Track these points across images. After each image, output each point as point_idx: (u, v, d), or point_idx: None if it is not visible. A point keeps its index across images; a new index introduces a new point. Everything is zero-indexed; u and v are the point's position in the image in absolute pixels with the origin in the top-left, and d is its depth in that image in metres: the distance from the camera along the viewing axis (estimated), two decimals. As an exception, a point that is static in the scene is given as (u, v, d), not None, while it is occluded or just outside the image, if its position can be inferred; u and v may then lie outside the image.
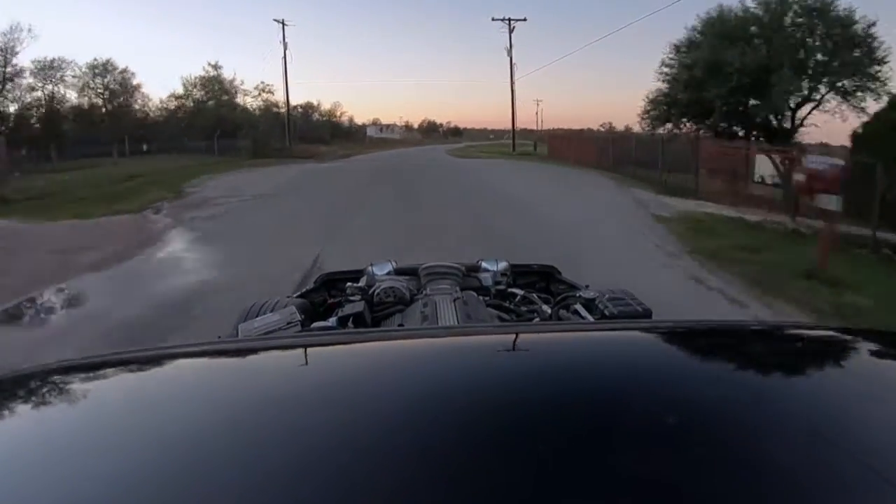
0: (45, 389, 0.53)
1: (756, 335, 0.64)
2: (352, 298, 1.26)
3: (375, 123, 67.20)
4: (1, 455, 0.41)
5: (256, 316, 1.16)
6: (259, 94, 30.86)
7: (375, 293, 1.24)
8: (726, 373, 0.51)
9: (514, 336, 0.63)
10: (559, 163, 20.34)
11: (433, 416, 0.41)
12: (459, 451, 0.37)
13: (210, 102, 28.51)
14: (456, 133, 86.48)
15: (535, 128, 65.76)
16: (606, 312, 1.04)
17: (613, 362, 0.52)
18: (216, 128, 24.15)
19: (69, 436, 0.43)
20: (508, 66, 31.35)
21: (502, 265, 1.51)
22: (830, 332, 0.70)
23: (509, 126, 33.73)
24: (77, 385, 0.54)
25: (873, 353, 0.59)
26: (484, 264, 1.51)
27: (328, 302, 1.43)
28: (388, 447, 0.38)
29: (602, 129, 54.02)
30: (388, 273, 1.44)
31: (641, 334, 0.63)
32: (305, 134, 34.58)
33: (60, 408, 0.50)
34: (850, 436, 0.40)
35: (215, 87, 28.97)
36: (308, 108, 44.30)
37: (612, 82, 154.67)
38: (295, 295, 1.38)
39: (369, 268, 1.46)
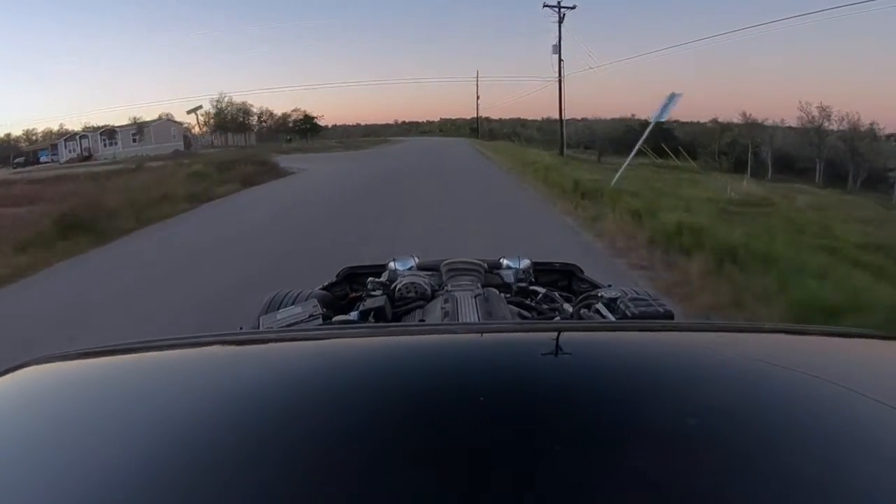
0: (68, 378, 0.55)
1: (781, 338, 0.62)
2: (373, 293, 1.28)
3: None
4: (26, 446, 0.42)
5: (279, 307, 1.18)
6: None
7: (397, 288, 1.25)
8: (749, 376, 0.50)
9: (534, 334, 0.63)
10: None
11: (452, 412, 0.42)
12: (478, 449, 0.37)
13: None
14: (307, 130, 45.20)
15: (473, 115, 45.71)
16: (628, 313, 1.02)
17: (635, 363, 0.52)
18: None
19: (87, 427, 0.44)
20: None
21: (524, 263, 1.50)
22: (867, 338, 0.67)
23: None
24: (96, 374, 0.56)
25: None
26: (506, 261, 1.50)
27: (350, 296, 1.45)
28: (406, 443, 0.38)
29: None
30: (410, 268, 1.45)
31: (664, 335, 0.63)
32: None
33: (77, 397, 0.51)
34: (886, 443, 0.39)
35: None
36: None
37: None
38: (317, 288, 1.40)
39: (391, 262, 1.47)
